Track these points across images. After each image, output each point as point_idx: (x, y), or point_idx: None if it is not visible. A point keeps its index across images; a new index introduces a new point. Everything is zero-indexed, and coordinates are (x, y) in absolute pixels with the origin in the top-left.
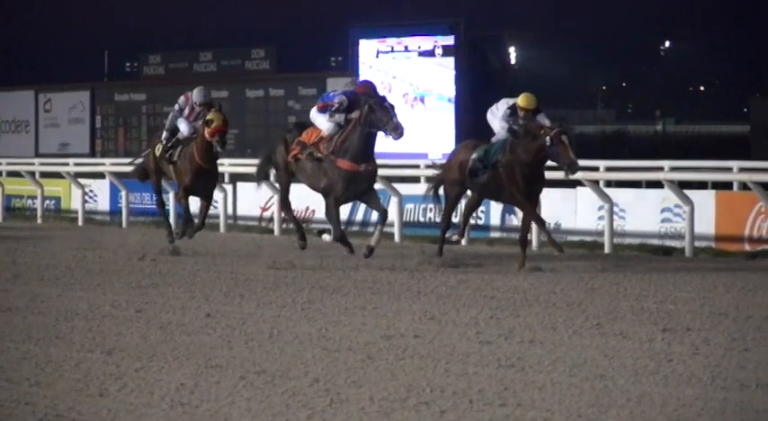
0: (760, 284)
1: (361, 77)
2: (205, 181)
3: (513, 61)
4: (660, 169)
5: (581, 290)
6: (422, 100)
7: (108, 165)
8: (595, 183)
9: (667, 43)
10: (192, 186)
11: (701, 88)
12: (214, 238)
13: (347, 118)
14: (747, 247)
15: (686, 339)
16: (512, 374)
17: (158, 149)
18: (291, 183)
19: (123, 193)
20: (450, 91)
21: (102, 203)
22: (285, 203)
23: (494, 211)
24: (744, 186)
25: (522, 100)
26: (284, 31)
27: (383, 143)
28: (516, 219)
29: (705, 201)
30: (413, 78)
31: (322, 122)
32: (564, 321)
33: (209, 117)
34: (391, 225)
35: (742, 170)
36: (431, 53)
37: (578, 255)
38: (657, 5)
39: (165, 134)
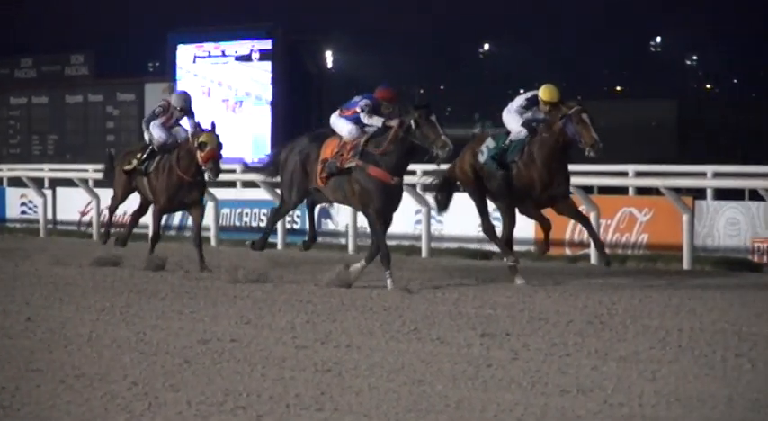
0: (581, 288)
1: (179, 82)
2: (187, 194)
3: (329, 65)
4: None
5: (398, 294)
6: (240, 104)
7: None
8: (412, 186)
9: (486, 46)
10: (168, 206)
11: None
12: (34, 242)
13: (386, 124)
14: (568, 251)
15: (505, 344)
16: (328, 379)
17: (130, 161)
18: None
19: None
20: (268, 94)
21: None
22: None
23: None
24: None
25: (544, 92)
26: (104, 37)
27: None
28: (332, 223)
29: None
30: (231, 82)
31: (343, 126)
32: (381, 326)
33: (202, 139)
34: (207, 229)
35: None
36: (248, 58)
37: (395, 259)
38: (476, 8)
39: (146, 135)
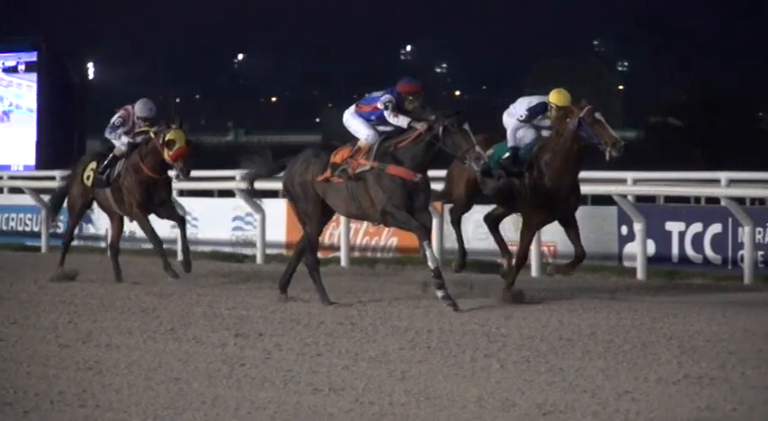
0: (331, 291)
1: None
2: (158, 193)
3: (91, 76)
4: (232, 179)
5: (155, 296)
6: (7, 114)
7: None
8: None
9: (240, 56)
10: (143, 201)
11: (273, 99)
12: None
13: (411, 125)
14: (319, 254)
15: (259, 344)
16: (90, 377)
17: (88, 177)
18: None
19: None
20: (33, 104)
21: None
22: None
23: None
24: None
25: (556, 97)
26: None
27: None
28: (93, 228)
29: (277, 210)
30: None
31: (360, 129)
32: (139, 326)
33: (169, 137)
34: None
35: None
36: (14, 69)
37: (151, 263)
38: (230, 19)
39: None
